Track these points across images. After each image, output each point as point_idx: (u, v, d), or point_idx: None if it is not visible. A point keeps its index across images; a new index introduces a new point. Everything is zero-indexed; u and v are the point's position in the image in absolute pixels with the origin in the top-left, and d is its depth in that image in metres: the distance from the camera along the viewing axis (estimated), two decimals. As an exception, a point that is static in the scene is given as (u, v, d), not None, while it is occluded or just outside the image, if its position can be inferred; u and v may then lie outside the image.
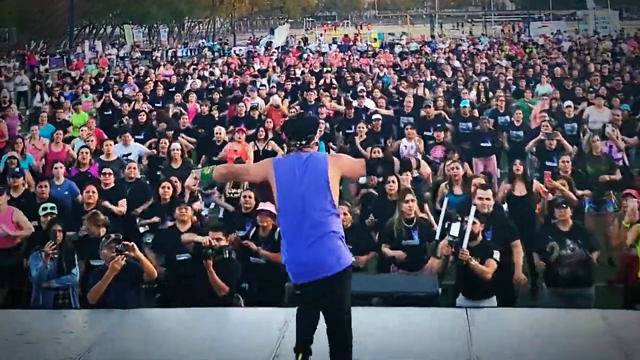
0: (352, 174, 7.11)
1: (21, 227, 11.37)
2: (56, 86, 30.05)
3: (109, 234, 9.68)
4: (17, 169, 13.91)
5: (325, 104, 21.21)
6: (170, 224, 11.47)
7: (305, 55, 43.46)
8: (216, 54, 51.98)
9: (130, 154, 16.19)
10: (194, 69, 34.64)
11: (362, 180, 13.11)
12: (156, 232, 12.05)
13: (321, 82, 26.87)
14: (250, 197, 11.49)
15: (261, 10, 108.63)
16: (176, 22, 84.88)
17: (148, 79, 30.37)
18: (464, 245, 9.25)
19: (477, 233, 9.50)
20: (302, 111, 18.23)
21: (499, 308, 9.23)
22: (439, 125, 17.44)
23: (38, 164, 16.32)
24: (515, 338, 7.91)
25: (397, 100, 23.13)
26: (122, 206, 12.78)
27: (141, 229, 12.80)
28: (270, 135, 17.60)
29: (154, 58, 49.68)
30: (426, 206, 11.90)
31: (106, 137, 17.88)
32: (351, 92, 24.77)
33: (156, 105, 23.19)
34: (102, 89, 26.79)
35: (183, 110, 21.31)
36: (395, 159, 6.93)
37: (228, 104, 23.16)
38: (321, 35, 72.29)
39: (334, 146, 18.17)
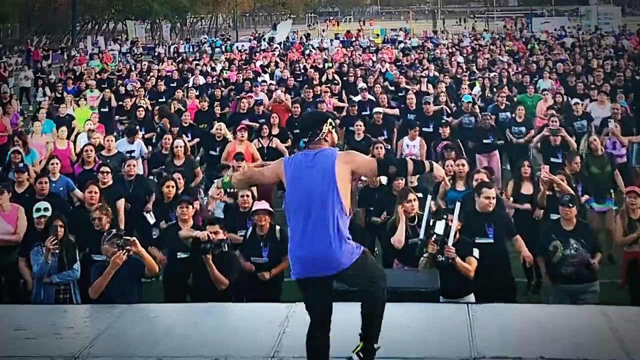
0: (364, 172, 7.03)
1: (18, 230, 11.35)
2: (59, 81, 30.05)
3: (111, 230, 9.70)
4: (22, 164, 13.90)
5: (324, 99, 21.22)
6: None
7: (307, 51, 43.45)
8: (217, 49, 51.96)
9: (133, 151, 16.23)
10: (196, 65, 34.67)
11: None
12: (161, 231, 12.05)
13: (324, 78, 26.87)
14: (247, 196, 11.47)
15: (264, 6, 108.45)
16: (178, 17, 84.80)
17: (151, 74, 30.42)
18: (450, 243, 9.33)
19: (456, 232, 9.53)
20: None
21: (500, 304, 9.22)
22: (443, 121, 17.46)
23: (39, 159, 16.31)
24: (516, 334, 7.90)
25: (399, 96, 23.19)
26: (120, 207, 12.76)
27: (150, 220, 12.82)
28: (275, 131, 17.59)
29: (156, 54, 49.71)
30: (432, 203, 11.89)
31: (106, 132, 17.92)
32: (353, 88, 24.74)
33: (160, 101, 23.23)
34: (105, 85, 26.79)
35: (183, 107, 21.34)
36: (408, 160, 6.83)
37: (231, 100, 23.19)
38: (323, 31, 72.30)
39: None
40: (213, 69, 33.51)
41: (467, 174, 12.61)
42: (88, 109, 21.58)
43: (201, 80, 27.69)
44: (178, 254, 10.43)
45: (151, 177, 15.31)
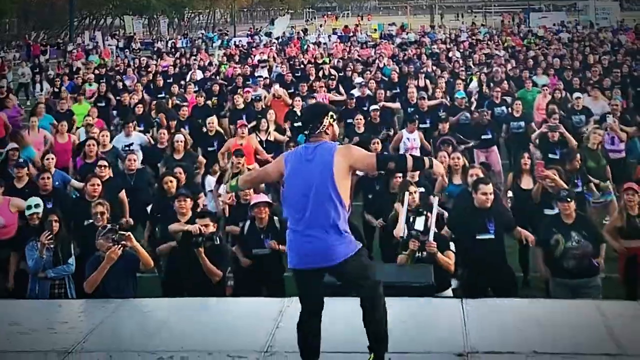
0: (363, 167, 6.94)
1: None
2: (57, 77, 30.03)
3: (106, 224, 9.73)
4: (21, 160, 13.91)
5: (320, 93, 21.28)
6: None
7: (305, 47, 43.41)
8: (214, 43, 51.86)
9: (132, 144, 16.23)
10: (194, 60, 34.63)
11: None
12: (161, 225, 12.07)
13: (320, 73, 26.87)
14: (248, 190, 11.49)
15: (261, 1, 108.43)
16: (176, 13, 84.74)
17: (149, 70, 30.43)
18: (431, 238, 9.38)
19: (429, 227, 9.58)
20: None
21: (494, 298, 9.26)
22: (443, 117, 17.47)
23: (39, 155, 16.30)
24: (510, 329, 7.91)
25: (396, 91, 23.22)
26: (123, 200, 12.79)
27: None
28: (273, 127, 17.60)
29: (155, 49, 49.66)
30: (434, 198, 11.90)
31: (105, 127, 17.98)
32: (349, 83, 24.73)
33: (159, 96, 23.21)
34: (103, 80, 26.78)
35: (182, 102, 21.32)
36: (408, 155, 6.82)
37: (229, 95, 23.17)
38: (321, 26, 72.23)
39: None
40: (210, 63, 33.44)
41: (464, 167, 12.61)
42: (87, 104, 21.54)
43: (199, 75, 27.64)
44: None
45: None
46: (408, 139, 16.30)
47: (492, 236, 10.03)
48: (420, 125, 17.27)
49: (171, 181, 12.29)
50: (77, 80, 27.35)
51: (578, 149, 14.34)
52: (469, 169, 12.15)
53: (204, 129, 17.48)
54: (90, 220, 10.91)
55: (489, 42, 40.05)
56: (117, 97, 22.61)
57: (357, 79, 24.67)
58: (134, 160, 14.06)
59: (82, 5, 72.13)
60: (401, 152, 15.93)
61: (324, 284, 6.77)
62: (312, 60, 32.45)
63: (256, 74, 27.79)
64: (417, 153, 15.41)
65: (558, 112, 17.01)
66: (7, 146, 15.10)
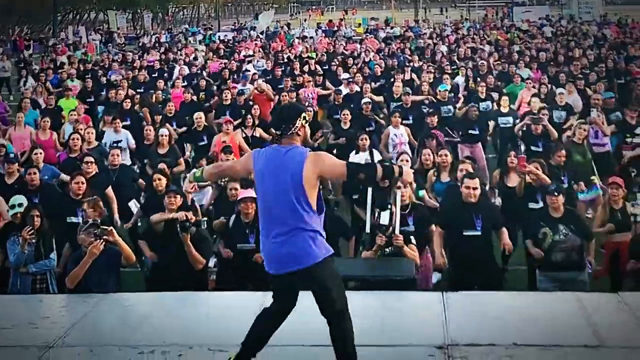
0: (333, 175, 6.95)
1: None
2: (41, 71, 29.94)
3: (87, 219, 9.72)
4: (12, 155, 13.87)
5: (306, 88, 21.34)
6: None
7: (291, 41, 43.37)
8: (190, 38, 51.71)
9: (120, 141, 16.22)
10: (179, 55, 34.60)
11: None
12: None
13: (305, 67, 26.88)
14: (236, 189, 11.48)
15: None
16: (160, 7, 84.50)
17: (134, 64, 30.41)
18: (397, 231, 9.40)
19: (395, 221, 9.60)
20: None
21: (475, 292, 9.28)
22: (432, 110, 17.49)
23: (23, 150, 16.28)
24: (490, 321, 7.95)
25: (381, 83, 23.27)
26: (111, 196, 12.76)
27: (134, 211, 12.82)
28: (257, 122, 17.61)
29: (140, 44, 49.53)
30: (426, 194, 11.94)
31: (91, 124, 17.99)
32: (335, 78, 24.76)
33: (138, 91, 23.13)
34: (88, 76, 26.73)
35: (168, 97, 21.32)
36: (378, 165, 6.80)
37: (215, 91, 23.16)
38: (305, 20, 72.19)
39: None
40: (196, 58, 33.39)
41: (451, 164, 12.64)
42: (74, 99, 21.52)
43: (186, 71, 27.59)
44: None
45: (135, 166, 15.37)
46: (395, 135, 16.28)
47: (479, 233, 10.07)
48: (404, 122, 17.25)
49: (159, 179, 12.28)
50: (62, 75, 27.26)
51: (564, 144, 14.43)
52: (458, 165, 12.18)
53: (194, 125, 17.54)
54: (74, 219, 10.94)
55: (474, 37, 40.09)
56: (102, 93, 22.54)
57: (344, 75, 24.69)
58: (117, 156, 14.01)
59: (66, 0, 71.82)
60: (390, 148, 16.00)
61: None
62: (298, 55, 32.46)
63: (243, 69, 27.80)
64: (406, 149, 15.46)
65: (545, 106, 17.10)
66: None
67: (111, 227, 9.25)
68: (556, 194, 10.19)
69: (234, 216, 10.71)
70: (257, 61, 30.68)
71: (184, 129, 18.30)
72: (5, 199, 11.36)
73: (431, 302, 8.52)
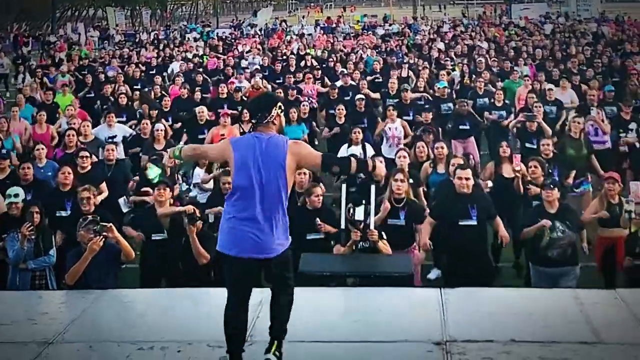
0: (309, 166, 7.07)
1: None
2: (38, 68, 29.94)
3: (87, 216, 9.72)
4: (3, 151, 13.87)
5: (306, 84, 21.36)
6: None
7: (288, 38, 43.36)
8: (188, 35, 51.59)
9: (115, 136, 16.22)
10: (177, 51, 34.61)
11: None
12: (135, 213, 12.08)
13: (302, 63, 26.93)
14: (229, 183, 11.47)
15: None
16: (158, 4, 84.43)
17: (131, 60, 30.45)
18: (372, 226, 9.45)
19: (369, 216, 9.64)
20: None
21: (474, 288, 9.26)
22: (427, 106, 17.52)
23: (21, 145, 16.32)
24: (488, 317, 7.97)
25: (376, 81, 23.27)
26: (104, 190, 12.72)
27: (124, 209, 12.83)
28: (253, 118, 17.60)
29: (137, 40, 49.49)
30: (420, 190, 11.98)
31: (89, 118, 17.98)
32: (333, 74, 24.79)
33: (135, 87, 23.12)
34: (85, 72, 26.76)
35: (165, 93, 21.34)
36: (352, 159, 6.87)
37: (211, 86, 23.22)
38: (303, 17, 72.17)
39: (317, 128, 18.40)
40: (195, 55, 33.41)
41: (447, 156, 12.70)
42: (71, 95, 21.52)
43: (183, 67, 27.62)
44: (153, 235, 10.48)
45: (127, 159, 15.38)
46: (390, 128, 16.30)
47: (475, 222, 10.11)
48: (404, 118, 17.28)
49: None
50: (58, 70, 27.29)
51: (560, 139, 14.48)
52: (451, 158, 12.23)
53: (194, 117, 17.67)
54: (63, 212, 10.98)
55: (472, 34, 40.10)
56: (100, 89, 22.54)
57: (341, 69, 24.73)
58: (112, 151, 14.05)
59: (65, -3, 71.95)
60: (383, 141, 16.04)
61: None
62: (295, 52, 32.48)
63: (242, 65, 27.85)
64: (401, 143, 15.50)
65: (537, 101, 17.13)
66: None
67: (111, 224, 9.25)
68: (551, 187, 10.25)
69: None
70: (254, 57, 30.70)
71: (179, 124, 18.36)
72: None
73: (429, 299, 8.53)
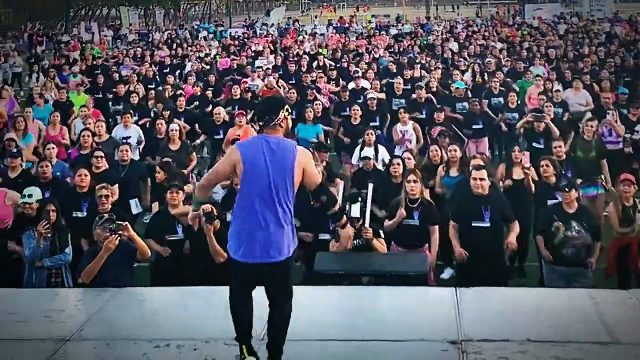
0: (306, 181, 6.81)
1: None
2: (51, 67, 30.04)
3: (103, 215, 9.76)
4: (15, 150, 13.94)
5: (318, 84, 21.37)
6: None
7: (300, 38, 43.37)
8: (200, 34, 51.66)
9: (130, 137, 16.27)
10: (191, 50, 34.71)
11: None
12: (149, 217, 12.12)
13: (315, 63, 26.95)
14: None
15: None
16: (172, 4, 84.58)
17: (145, 60, 30.53)
18: (367, 224, 9.51)
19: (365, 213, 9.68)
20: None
21: (488, 287, 9.26)
22: (438, 106, 17.52)
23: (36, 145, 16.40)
24: (504, 317, 7.99)
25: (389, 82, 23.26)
26: (114, 194, 12.72)
27: (134, 210, 12.86)
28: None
29: (150, 40, 49.60)
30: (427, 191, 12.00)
31: (103, 118, 18.05)
32: (347, 74, 24.77)
33: (149, 86, 23.20)
34: (99, 71, 26.85)
35: (181, 91, 21.39)
36: (339, 202, 7.07)
37: (223, 86, 23.26)
38: (316, 17, 72.17)
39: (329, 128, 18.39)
40: (207, 55, 33.49)
41: (460, 159, 12.70)
42: (84, 95, 21.61)
43: (195, 67, 27.68)
44: (168, 236, 10.53)
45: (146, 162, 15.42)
46: (401, 131, 16.32)
47: (487, 224, 10.12)
48: (418, 116, 17.28)
49: (158, 172, 12.39)
50: (71, 70, 27.43)
51: (574, 140, 14.48)
52: (470, 160, 12.25)
53: (211, 117, 17.73)
54: (79, 213, 11.11)
55: (485, 34, 40.04)
56: (114, 89, 22.60)
57: (354, 69, 24.74)
58: (126, 151, 14.08)
59: (78, -4, 72.17)
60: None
61: None
62: (310, 52, 32.49)
63: (256, 65, 27.91)
64: (411, 146, 15.53)
65: (547, 101, 17.14)
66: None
67: (126, 222, 9.29)
68: (567, 189, 10.23)
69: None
70: (267, 57, 30.72)
71: (196, 125, 18.40)
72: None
73: (443, 298, 8.55)
